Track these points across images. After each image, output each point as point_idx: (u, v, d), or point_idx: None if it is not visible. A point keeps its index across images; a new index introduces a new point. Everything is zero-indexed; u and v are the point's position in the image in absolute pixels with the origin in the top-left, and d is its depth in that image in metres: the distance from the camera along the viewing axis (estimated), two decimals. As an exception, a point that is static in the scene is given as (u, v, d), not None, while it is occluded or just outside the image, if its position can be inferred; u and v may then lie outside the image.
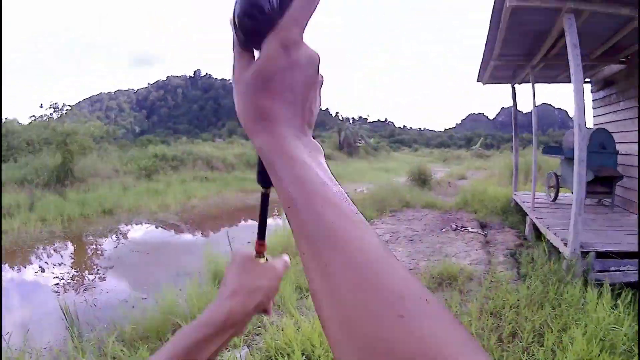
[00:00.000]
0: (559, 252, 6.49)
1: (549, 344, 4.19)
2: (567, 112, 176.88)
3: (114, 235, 12.46)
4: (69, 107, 21.50)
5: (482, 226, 10.11)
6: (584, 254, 5.87)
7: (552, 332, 4.38)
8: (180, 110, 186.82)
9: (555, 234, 6.79)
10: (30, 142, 21.07)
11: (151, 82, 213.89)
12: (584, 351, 3.92)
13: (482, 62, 9.50)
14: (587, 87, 11.00)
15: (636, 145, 8.51)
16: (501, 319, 4.99)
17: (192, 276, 7.01)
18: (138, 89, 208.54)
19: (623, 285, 5.33)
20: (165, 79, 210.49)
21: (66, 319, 5.57)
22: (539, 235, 8.11)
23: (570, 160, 8.96)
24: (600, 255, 5.89)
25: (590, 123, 10.94)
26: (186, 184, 20.27)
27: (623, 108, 9.29)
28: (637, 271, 5.76)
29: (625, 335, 4.15)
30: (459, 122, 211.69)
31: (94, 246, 11.46)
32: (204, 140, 49.18)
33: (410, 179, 17.74)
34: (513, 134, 11.67)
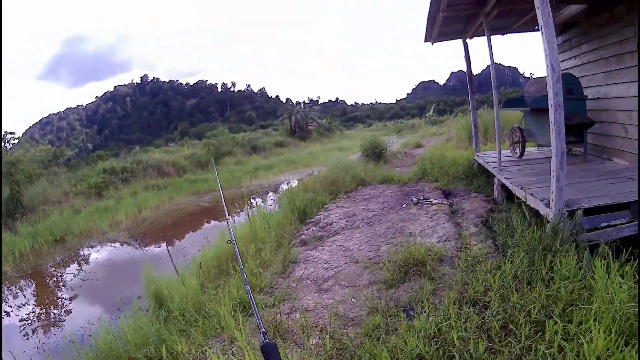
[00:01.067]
0: (539, 215, 5.56)
1: (555, 338, 3.25)
2: (517, 69, 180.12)
3: (65, 267, 11.99)
4: (12, 135, 20.40)
5: (446, 195, 9.16)
6: (570, 213, 4.99)
7: (554, 321, 3.42)
8: (131, 120, 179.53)
9: (532, 194, 5.87)
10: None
11: (99, 95, 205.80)
12: (603, 345, 2.96)
13: (429, 17, 8.48)
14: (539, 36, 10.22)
15: (604, 88, 7.88)
16: (486, 308, 4.02)
17: (134, 303, 6.45)
18: (87, 104, 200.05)
19: (619, 243, 4.48)
20: (112, 89, 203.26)
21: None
22: (510, 196, 7.28)
23: (535, 111, 8.30)
24: (587, 211, 5.04)
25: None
26: (137, 195, 19.45)
27: (586, 51, 8.51)
28: (630, 224, 4.97)
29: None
30: (409, 91, 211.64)
31: (45, 281, 11.05)
32: (157, 147, 47.59)
33: (363, 155, 16.66)
34: (469, 92, 10.75)
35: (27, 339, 7.62)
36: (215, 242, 8.66)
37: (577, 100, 7.69)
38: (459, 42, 10.37)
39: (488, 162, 8.97)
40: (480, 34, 9.73)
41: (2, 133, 22.93)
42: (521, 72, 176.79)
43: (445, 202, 8.38)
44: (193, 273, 7.28)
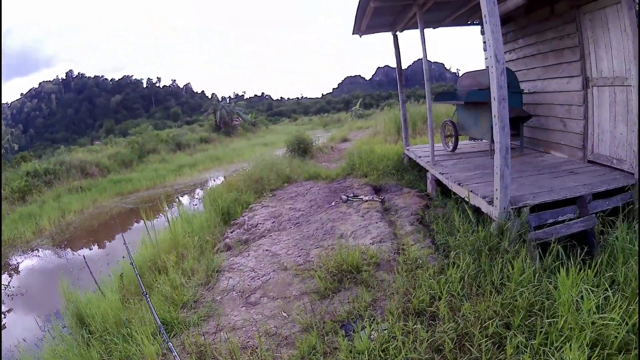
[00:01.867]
0: (480, 212, 5.15)
1: (518, 354, 2.83)
2: (443, 65, 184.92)
3: None
4: None
5: (377, 191, 8.73)
6: (516, 211, 4.64)
7: (513, 333, 2.99)
8: (56, 118, 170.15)
9: (472, 191, 5.46)
10: None
11: (24, 93, 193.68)
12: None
13: (359, 7, 7.97)
14: (472, 31, 10.05)
15: (541, 82, 7.77)
16: (434, 320, 3.54)
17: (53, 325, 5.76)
18: (12, 102, 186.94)
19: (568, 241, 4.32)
20: (37, 86, 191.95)
21: None
22: (444, 191, 6.98)
23: (469, 105, 8.00)
24: (532, 208, 4.75)
25: (482, 66, 9.99)
26: (61, 199, 18.10)
27: (523, 45, 8.36)
28: (579, 219, 4.73)
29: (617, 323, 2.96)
30: (335, 86, 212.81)
31: None
32: (82, 145, 45.81)
33: (289, 150, 16.06)
34: (398, 85, 10.36)
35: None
36: (137, 248, 8.01)
37: (514, 94, 7.42)
38: (387, 36, 10.02)
39: (420, 157, 8.61)
40: (410, 27, 9.37)
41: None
42: (447, 68, 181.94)
43: (377, 199, 7.92)
44: (114, 286, 6.57)
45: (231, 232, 7.84)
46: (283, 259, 5.89)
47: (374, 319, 3.77)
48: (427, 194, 7.66)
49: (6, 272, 11.24)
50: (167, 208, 12.53)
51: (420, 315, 3.66)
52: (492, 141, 7.71)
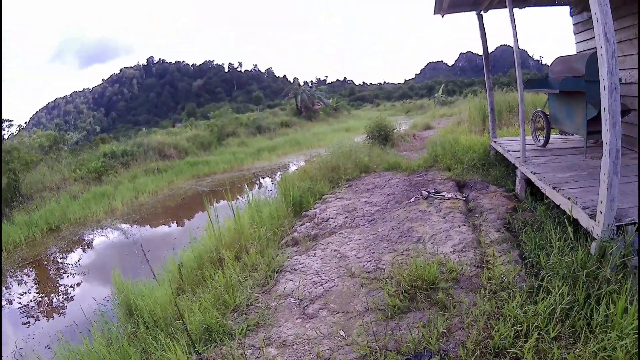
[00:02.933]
0: (575, 222, 4.49)
1: None
2: (526, 52, 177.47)
3: (57, 258, 11.39)
4: (10, 122, 19.99)
5: (460, 187, 8.09)
6: (619, 229, 3.92)
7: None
8: (138, 101, 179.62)
9: (568, 198, 4.77)
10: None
11: (105, 78, 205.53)
12: None
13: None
14: (563, 12, 9.21)
15: (637, 72, 6.78)
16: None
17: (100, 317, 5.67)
18: (93, 87, 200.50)
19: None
20: (119, 72, 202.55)
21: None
22: (534, 192, 6.26)
23: (563, 94, 7.23)
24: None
25: (570, 52, 9.12)
26: (136, 179, 18.82)
27: (617, 28, 7.25)
28: None
29: None
30: (418, 72, 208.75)
31: (32, 277, 10.29)
32: (163, 127, 47.27)
33: (369, 137, 15.49)
34: (485, 70, 9.55)
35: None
36: (200, 237, 7.96)
37: (611, 84, 6.60)
38: (470, 18, 9.27)
39: (508, 151, 7.86)
40: (495, 6, 8.64)
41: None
42: (530, 55, 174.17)
43: (460, 197, 7.29)
44: (172, 276, 6.45)
45: (300, 225, 7.48)
46: (351, 262, 5.44)
47: (446, 354, 3.27)
48: (515, 194, 6.94)
49: (75, 249, 11.78)
50: (238, 194, 12.46)
51: (499, 356, 3.12)
52: (588, 137, 7.00)
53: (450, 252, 5.12)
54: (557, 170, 6.16)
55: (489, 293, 3.93)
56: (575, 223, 4.52)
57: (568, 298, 3.42)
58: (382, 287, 4.48)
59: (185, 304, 5.11)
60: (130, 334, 5.06)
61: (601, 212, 3.90)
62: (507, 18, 6.88)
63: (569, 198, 4.75)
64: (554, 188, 5.23)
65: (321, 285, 4.97)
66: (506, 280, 4.07)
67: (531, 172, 6.22)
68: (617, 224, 3.91)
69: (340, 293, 4.70)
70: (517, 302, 3.56)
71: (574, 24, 9.16)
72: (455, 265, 4.61)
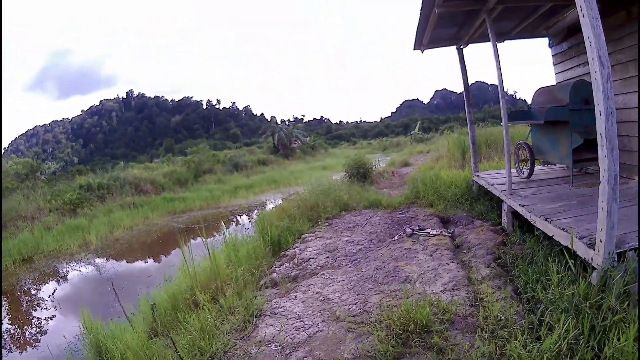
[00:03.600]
0: (570, 251, 4.24)
1: None
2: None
3: (29, 289, 10.95)
4: None
5: (445, 223, 7.87)
6: (619, 256, 3.74)
7: None
8: (116, 135, 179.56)
9: (563, 229, 4.54)
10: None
11: (85, 109, 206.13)
12: None
13: (421, 16, 7.21)
14: (540, 43, 9.28)
15: (622, 97, 6.71)
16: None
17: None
18: (72, 118, 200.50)
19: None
20: (98, 103, 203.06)
21: None
22: (521, 225, 6.10)
23: (546, 125, 7.14)
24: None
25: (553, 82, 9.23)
26: (112, 214, 18.31)
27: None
28: None
29: None
30: (394, 110, 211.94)
31: (5, 307, 9.78)
32: (141, 162, 46.87)
33: (347, 175, 15.22)
34: (465, 104, 9.48)
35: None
36: (175, 275, 7.57)
37: (593, 111, 6.53)
38: (447, 54, 9.33)
39: (493, 185, 7.69)
40: (476, 39, 8.63)
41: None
42: (505, 90, 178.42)
43: (446, 233, 7.03)
44: (144, 316, 6.07)
45: (280, 266, 7.08)
46: (336, 305, 5.07)
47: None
48: (502, 227, 6.74)
49: (48, 282, 11.34)
50: (215, 232, 12.08)
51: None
52: (573, 167, 6.87)
53: (441, 291, 4.82)
54: (546, 201, 5.98)
55: (487, 333, 3.64)
56: (569, 253, 4.27)
57: (574, 332, 3.17)
58: (371, 331, 4.14)
59: (158, 349, 4.72)
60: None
61: (601, 241, 3.72)
62: (483, 54, 6.81)
63: (563, 229, 4.53)
64: (546, 219, 5.02)
65: (304, 330, 4.59)
66: (504, 318, 3.78)
67: (519, 204, 6.03)
68: (618, 250, 3.72)
69: (325, 339, 4.32)
70: (520, 341, 3.28)
71: (553, 55, 9.22)
72: (448, 306, 4.31)
